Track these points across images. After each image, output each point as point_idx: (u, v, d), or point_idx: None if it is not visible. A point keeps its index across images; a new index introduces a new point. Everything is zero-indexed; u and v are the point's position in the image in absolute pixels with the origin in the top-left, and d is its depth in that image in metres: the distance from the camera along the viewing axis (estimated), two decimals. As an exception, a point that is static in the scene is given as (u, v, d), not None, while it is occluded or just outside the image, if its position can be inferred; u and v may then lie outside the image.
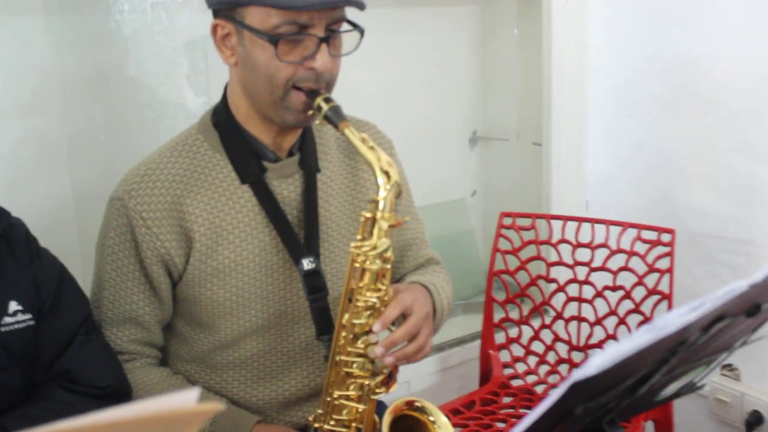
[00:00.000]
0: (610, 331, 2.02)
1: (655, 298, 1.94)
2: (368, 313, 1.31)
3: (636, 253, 1.96)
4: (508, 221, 2.11)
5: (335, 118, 1.30)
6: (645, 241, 1.96)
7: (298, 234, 1.43)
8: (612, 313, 2.01)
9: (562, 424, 0.82)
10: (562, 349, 2.09)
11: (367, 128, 1.57)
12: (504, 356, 2.13)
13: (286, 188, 1.44)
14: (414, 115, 2.54)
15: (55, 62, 1.82)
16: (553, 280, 2.09)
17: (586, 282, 2.04)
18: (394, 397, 1.38)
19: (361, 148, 1.30)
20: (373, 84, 2.37)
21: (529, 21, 2.51)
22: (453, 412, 1.95)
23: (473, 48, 2.70)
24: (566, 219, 2.07)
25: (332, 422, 1.37)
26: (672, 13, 2.25)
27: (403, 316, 1.33)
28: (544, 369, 2.10)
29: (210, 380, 1.49)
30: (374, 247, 1.30)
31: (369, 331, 1.31)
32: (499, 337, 2.13)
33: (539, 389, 2.08)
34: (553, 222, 2.11)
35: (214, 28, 1.36)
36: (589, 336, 2.04)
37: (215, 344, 1.46)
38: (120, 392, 1.37)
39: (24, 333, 1.27)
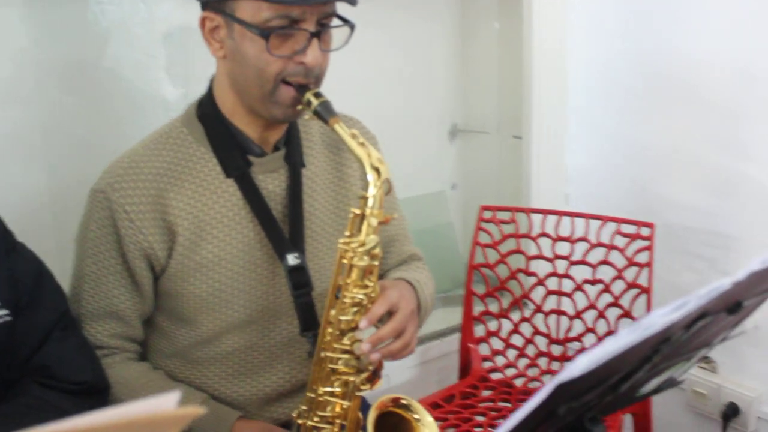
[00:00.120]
0: (590, 325, 2.03)
1: (634, 291, 1.95)
2: (355, 309, 1.31)
3: (615, 247, 1.97)
4: (488, 215, 2.11)
5: (325, 113, 1.30)
6: (624, 235, 1.97)
7: (282, 229, 1.42)
8: (591, 306, 2.02)
9: (545, 424, 0.83)
10: (541, 342, 2.10)
11: (353, 123, 1.56)
12: (483, 349, 2.13)
13: (272, 183, 1.44)
14: (394, 107, 2.52)
15: (32, 52, 1.79)
16: (533, 274, 2.10)
17: (566, 275, 2.05)
18: (374, 391, 1.38)
19: (351, 145, 1.30)
20: (353, 77, 2.34)
21: (511, 14, 2.51)
22: (433, 406, 1.95)
23: (454, 41, 2.69)
24: (546, 213, 2.07)
25: (316, 418, 1.36)
26: (652, 8, 2.26)
27: (389, 313, 1.33)
28: (523, 362, 2.11)
29: (191, 375, 1.48)
30: (363, 244, 1.30)
31: (355, 328, 1.30)
32: (479, 331, 2.14)
33: (518, 382, 2.09)
34: (533, 216, 2.11)
35: (203, 21, 1.35)
36: (569, 329, 2.06)
37: (196, 339, 1.45)
38: (97, 388, 1.35)
39: (0, 329, 1.25)
